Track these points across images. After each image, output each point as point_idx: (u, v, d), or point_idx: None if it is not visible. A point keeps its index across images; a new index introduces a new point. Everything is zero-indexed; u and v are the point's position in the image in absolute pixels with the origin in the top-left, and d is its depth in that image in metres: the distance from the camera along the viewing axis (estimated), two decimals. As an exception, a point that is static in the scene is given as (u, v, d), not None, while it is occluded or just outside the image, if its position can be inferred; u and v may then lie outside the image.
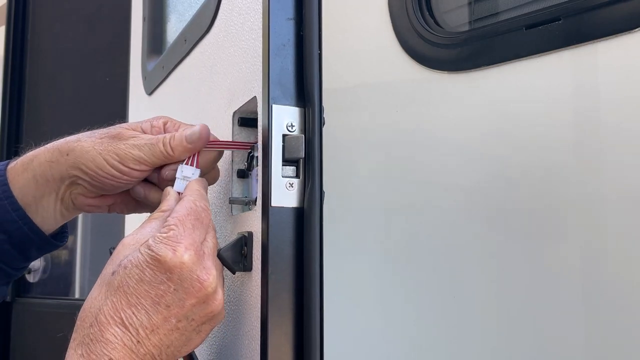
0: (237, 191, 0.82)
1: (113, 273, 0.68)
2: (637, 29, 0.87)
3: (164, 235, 0.68)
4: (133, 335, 0.66)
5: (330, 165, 1.23)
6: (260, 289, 0.70)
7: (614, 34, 0.89)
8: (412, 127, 1.13)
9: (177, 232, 0.68)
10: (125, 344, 0.65)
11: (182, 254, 0.67)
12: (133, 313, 0.66)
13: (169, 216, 0.71)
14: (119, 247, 0.71)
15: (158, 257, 0.67)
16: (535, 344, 0.94)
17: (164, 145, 0.78)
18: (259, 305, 0.71)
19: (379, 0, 1.19)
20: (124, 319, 0.66)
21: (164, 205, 0.75)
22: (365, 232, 1.18)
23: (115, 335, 0.65)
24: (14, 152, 2.36)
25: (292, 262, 0.69)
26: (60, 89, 2.33)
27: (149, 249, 0.67)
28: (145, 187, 0.83)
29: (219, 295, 0.70)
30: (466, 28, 1.13)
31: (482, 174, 1.02)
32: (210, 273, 0.68)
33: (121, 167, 0.78)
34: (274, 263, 0.69)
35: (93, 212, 0.88)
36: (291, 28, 0.71)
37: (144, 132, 0.82)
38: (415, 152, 1.12)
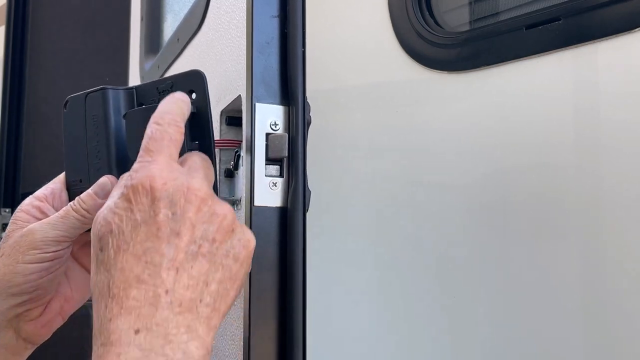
0: (224, 191, 0.82)
1: (101, 248, 0.58)
2: (637, 29, 0.86)
3: (131, 173, 0.59)
4: (158, 286, 0.55)
5: (330, 165, 1.23)
6: (243, 289, 0.70)
7: (614, 34, 0.88)
8: (412, 126, 1.13)
9: (143, 162, 0.60)
10: (151, 302, 0.55)
11: (157, 173, 0.58)
12: (146, 262, 0.56)
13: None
14: (93, 224, 0.60)
15: (135, 188, 0.58)
16: (535, 343, 0.93)
17: (76, 212, 0.71)
18: (242, 306, 0.70)
19: (379, 0, 1.19)
20: (140, 275, 0.55)
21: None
22: (363, 232, 1.18)
23: (136, 299, 0.55)
24: (13, 152, 2.38)
25: (275, 263, 0.69)
26: (60, 89, 2.34)
27: (125, 190, 0.58)
28: None
29: (224, 205, 0.60)
30: (466, 28, 1.13)
31: (482, 173, 1.02)
32: (197, 179, 0.60)
33: (45, 255, 0.70)
34: (257, 263, 0.68)
35: (47, 335, 0.77)
36: (275, 26, 0.70)
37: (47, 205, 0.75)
38: (415, 151, 1.11)
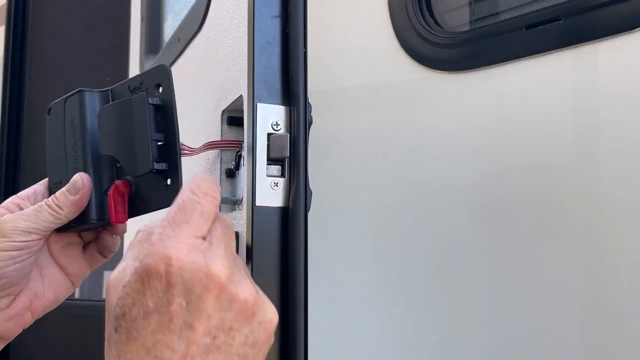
0: (225, 191, 0.82)
1: (115, 329, 0.55)
2: (637, 29, 0.87)
3: (148, 247, 0.55)
4: None
5: (329, 165, 1.23)
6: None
7: (614, 34, 0.89)
8: (412, 127, 1.13)
9: (164, 236, 0.56)
10: None
11: (175, 254, 0.54)
12: (155, 357, 0.53)
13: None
14: (107, 293, 0.58)
15: (149, 270, 0.54)
16: (535, 343, 0.93)
17: (49, 207, 0.74)
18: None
19: (379, 0, 1.19)
20: None
21: (146, 224, 0.62)
22: (361, 232, 1.18)
23: None
24: (13, 152, 2.38)
25: (276, 262, 0.69)
26: (61, 89, 2.33)
27: (139, 268, 0.54)
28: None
29: (245, 286, 0.56)
30: (466, 28, 1.13)
31: (482, 173, 1.02)
32: (217, 262, 0.55)
33: (12, 244, 0.72)
34: (258, 263, 0.68)
35: (16, 331, 0.78)
36: (276, 26, 0.70)
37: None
38: (415, 151, 1.11)
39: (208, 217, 0.59)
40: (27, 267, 0.75)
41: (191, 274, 0.54)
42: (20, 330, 0.78)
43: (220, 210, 0.82)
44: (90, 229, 0.81)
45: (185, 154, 0.74)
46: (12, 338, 0.78)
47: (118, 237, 0.82)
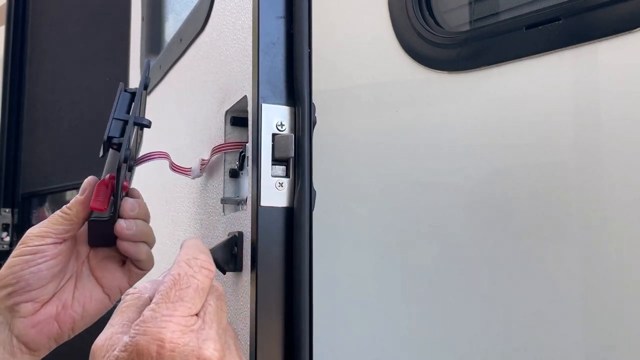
0: (229, 191, 0.82)
1: None
2: (637, 29, 0.87)
3: (140, 325, 0.54)
4: None
5: (329, 165, 1.23)
6: (250, 290, 0.70)
7: (614, 34, 0.89)
8: (412, 127, 1.13)
9: (157, 314, 0.54)
10: None
11: (168, 337, 0.53)
12: None
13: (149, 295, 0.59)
14: (91, 359, 0.56)
15: (140, 350, 0.52)
16: (535, 343, 0.94)
17: (61, 210, 0.78)
18: (249, 306, 0.70)
19: (379, 0, 1.19)
20: None
21: (136, 287, 0.61)
22: (363, 232, 1.18)
23: None
24: (13, 152, 2.38)
25: (281, 262, 0.69)
26: (60, 88, 2.34)
27: (129, 346, 0.53)
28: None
29: None
30: (466, 28, 1.13)
31: (482, 173, 1.02)
32: (209, 344, 0.54)
33: (27, 248, 0.75)
34: (263, 263, 0.68)
35: (43, 342, 0.78)
36: (281, 26, 0.70)
37: None
38: (415, 152, 1.11)
39: (203, 292, 0.58)
40: (45, 271, 0.76)
41: (183, 357, 0.53)
42: (52, 345, 0.78)
43: (223, 211, 0.82)
44: (104, 237, 0.81)
45: (202, 168, 0.76)
46: (42, 351, 0.78)
47: (141, 244, 0.80)
